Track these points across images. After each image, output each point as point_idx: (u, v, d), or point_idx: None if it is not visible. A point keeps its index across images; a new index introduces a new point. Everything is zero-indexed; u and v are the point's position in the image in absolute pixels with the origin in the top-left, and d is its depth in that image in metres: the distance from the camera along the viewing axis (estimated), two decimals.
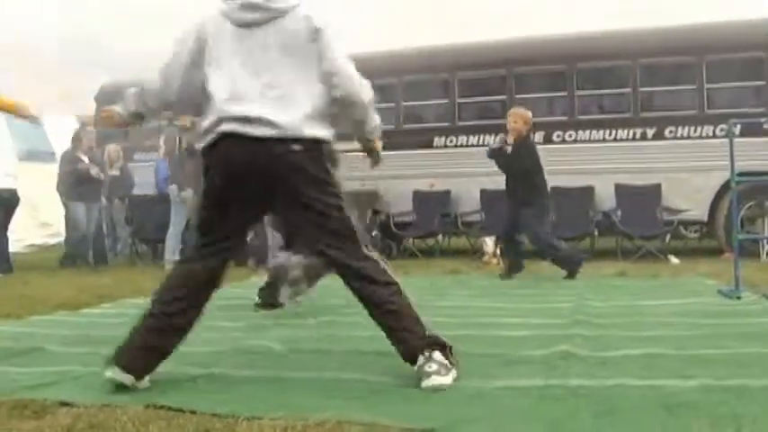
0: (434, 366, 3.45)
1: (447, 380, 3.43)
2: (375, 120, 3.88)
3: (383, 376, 3.65)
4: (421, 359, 3.48)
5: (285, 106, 3.52)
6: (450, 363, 3.50)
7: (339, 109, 3.69)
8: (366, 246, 3.70)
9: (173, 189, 10.80)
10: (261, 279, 9.17)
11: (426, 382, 3.41)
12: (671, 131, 11.42)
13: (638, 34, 12.08)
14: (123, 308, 6.71)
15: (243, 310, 6.33)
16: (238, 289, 8.10)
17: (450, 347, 3.57)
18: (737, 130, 9.74)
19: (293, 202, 3.60)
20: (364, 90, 3.71)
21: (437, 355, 3.47)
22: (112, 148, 13.37)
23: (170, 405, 3.17)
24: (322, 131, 3.60)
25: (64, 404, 3.26)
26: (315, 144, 3.56)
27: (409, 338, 3.54)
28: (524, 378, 3.54)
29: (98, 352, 4.42)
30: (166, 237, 10.92)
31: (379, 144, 4.08)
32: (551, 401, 3.13)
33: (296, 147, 3.50)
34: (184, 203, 10.66)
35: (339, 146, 4.01)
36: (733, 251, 7.16)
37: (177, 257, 10.53)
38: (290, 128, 3.49)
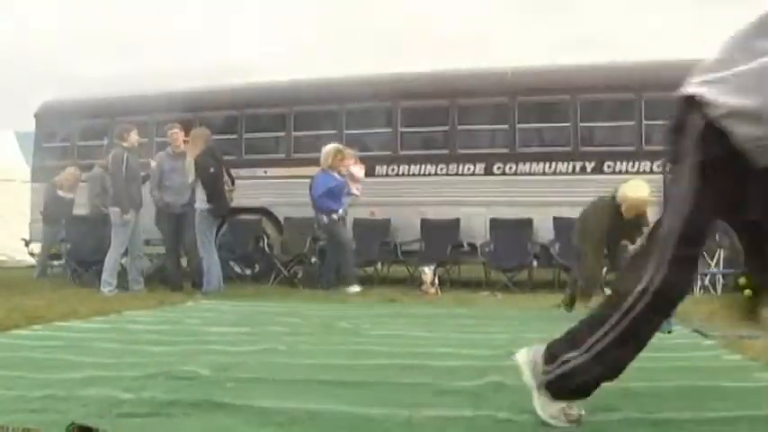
0: None
1: None
2: None
3: (318, 404, 3.63)
4: None
5: None
6: None
7: None
8: None
9: (115, 212, 10.64)
10: (196, 303, 9.14)
11: None
12: (609, 166, 11.59)
13: (580, 70, 12.29)
14: (54, 330, 6.60)
15: (175, 335, 6.25)
16: (172, 313, 8.04)
17: None
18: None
19: None
20: None
21: None
22: (70, 172, 13.27)
23: (94, 428, 3.11)
24: None
25: None
26: None
27: None
28: (453, 408, 3.55)
29: (23, 375, 4.36)
30: (105, 259, 10.72)
31: None
32: None
33: None
34: (126, 226, 10.51)
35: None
36: None
37: (114, 281, 10.39)
38: None
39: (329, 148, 11.39)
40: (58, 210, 13.09)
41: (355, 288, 10.82)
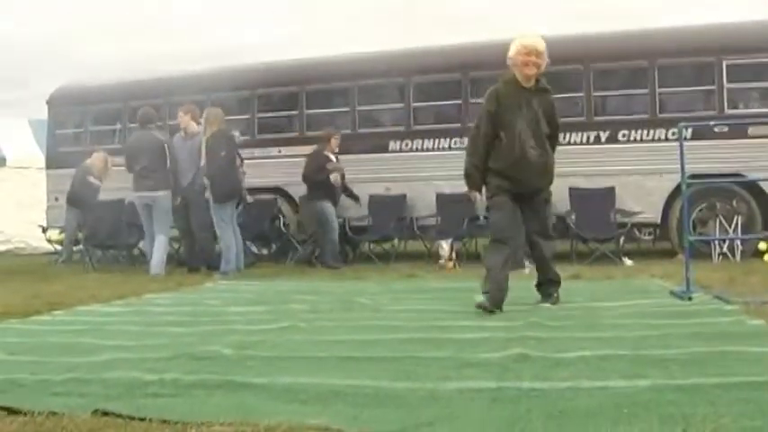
0: None
1: None
2: None
3: (341, 380, 3.63)
4: None
5: None
6: None
7: None
8: None
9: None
10: (215, 284, 9.17)
11: None
12: (624, 135, 11.53)
13: (590, 39, 12.21)
14: (75, 315, 6.61)
15: (195, 316, 6.26)
16: (191, 295, 8.06)
17: None
18: (688, 133, 9.88)
19: None
20: None
21: None
22: (101, 158, 13.25)
23: (119, 412, 3.12)
24: None
25: (11, 412, 3.20)
26: None
27: None
28: (478, 380, 3.53)
29: (46, 360, 4.37)
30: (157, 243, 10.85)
31: None
32: (504, 403, 3.13)
33: None
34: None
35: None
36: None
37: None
38: None
39: None
40: (87, 195, 13.10)
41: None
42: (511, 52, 6.37)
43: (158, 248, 10.69)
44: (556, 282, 6.66)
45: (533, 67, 6.28)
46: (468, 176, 6.54)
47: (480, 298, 6.13)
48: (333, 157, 11.89)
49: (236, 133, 11.32)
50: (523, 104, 6.28)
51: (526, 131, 6.24)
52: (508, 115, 6.27)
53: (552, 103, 6.53)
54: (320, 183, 11.65)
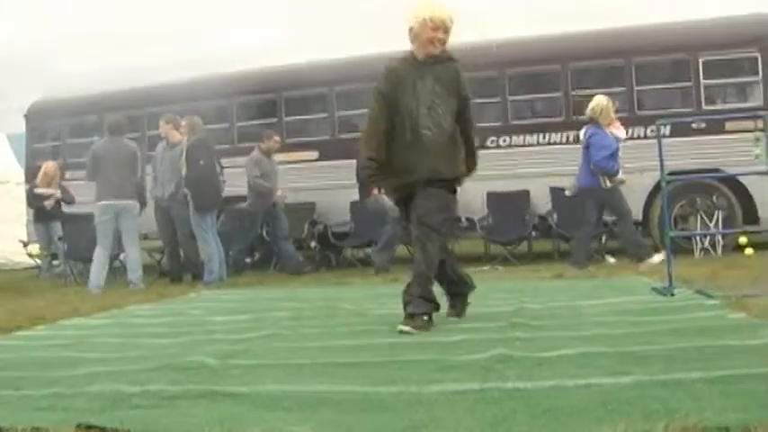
0: None
1: None
2: None
3: (326, 386, 3.62)
4: None
5: None
6: None
7: None
8: None
9: None
10: (198, 294, 9.14)
11: None
12: None
13: (568, 38, 12.26)
14: (58, 329, 6.57)
15: (178, 327, 6.23)
16: (174, 305, 8.03)
17: None
18: (667, 130, 9.94)
19: None
20: None
21: None
22: (50, 166, 13.16)
23: (102, 425, 3.09)
24: None
25: None
26: None
27: None
28: (462, 383, 3.53)
29: (29, 375, 4.34)
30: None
31: None
32: (488, 404, 3.13)
33: None
34: None
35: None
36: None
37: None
38: None
39: (602, 99, 10.14)
40: (36, 207, 13.22)
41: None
42: (414, 24, 5.43)
43: (133, 260, 10.53)
44: (465, 285, 5.89)
45: (438, 45, 5.43)
46: (364, 172, 5.76)
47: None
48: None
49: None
50: (417, 80, 5.39)
51: (421, 111, 5.34)
52: (401, 96, 5.40)
53: (457, 71, 5.52)
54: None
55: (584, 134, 9.95)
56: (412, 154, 5.35)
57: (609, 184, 9.67)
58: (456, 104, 5.44)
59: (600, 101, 9.88)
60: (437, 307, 5.48)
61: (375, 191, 5.54)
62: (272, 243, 11.97)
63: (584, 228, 10.02)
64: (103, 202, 10.30)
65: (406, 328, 5.17)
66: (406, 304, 5.38)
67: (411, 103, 5.35)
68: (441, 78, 5.40)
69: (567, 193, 10.63)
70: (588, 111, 9.92)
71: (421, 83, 5.37)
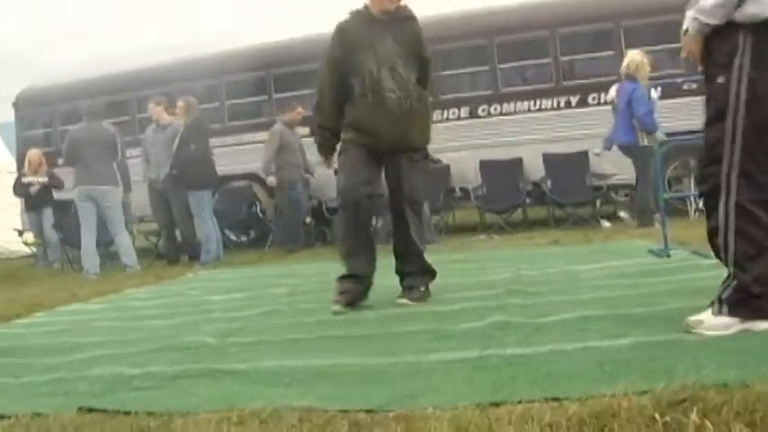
0: None
1: None
2: None
3: (324, 360, 3.63)
4: None
5: None
6: None
7: None
8: None
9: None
10: (195, 274, 9.13)
11: None
12: (594, 98, 11.54)
13: (556, 4, 12.20)
14: (56, 316, 6.57)
15: (176, 308, 6.23)
16: (172, 287, 8.03)
17: None
18: (659, 92, 9.91)
19: None
20: None
21: None
22: (33, 154, 13.07)
23: (104, 408, 3.10)
24: None
25: None
26: None
27: None
28: (460, 351, 3.54)
29: (29, 362, 4.34)
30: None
31: None
32: (487, 371, 3.14)
33: None
34: None
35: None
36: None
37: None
38: None
39: (636, 55, 9.84)
40: (23, 195, 13.20)
41: None
42: None
43: (124, 245, 10.44)
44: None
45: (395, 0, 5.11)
46: (317, 143, 5.52)
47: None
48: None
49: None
50: (376, 40, 5.09)
51: (382, 72, 5.03)
52: (358, 57, 5.09)
53: (418, 32, 5.24)
54: None
55: (619, 91, 9.75)
56: (376, 118, 5.07)
57: (646, 141, 9.53)
58: (416, 66, 5.20)
59: (634, 56, 9.65)
60: (433, 275, 5.44)
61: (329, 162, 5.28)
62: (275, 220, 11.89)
63: (641, 184, 9.80)
64: (81, 188, 10.10)
65: (403, 300, 5.18)
66: (402, 276, 5.36)
67: (370, 63, 5.05)
68: (400, 39, 5.13)
69: (595, 152, 10.53)
70: (623, 68, 9.70)
71: (380, 43, 5.09)
